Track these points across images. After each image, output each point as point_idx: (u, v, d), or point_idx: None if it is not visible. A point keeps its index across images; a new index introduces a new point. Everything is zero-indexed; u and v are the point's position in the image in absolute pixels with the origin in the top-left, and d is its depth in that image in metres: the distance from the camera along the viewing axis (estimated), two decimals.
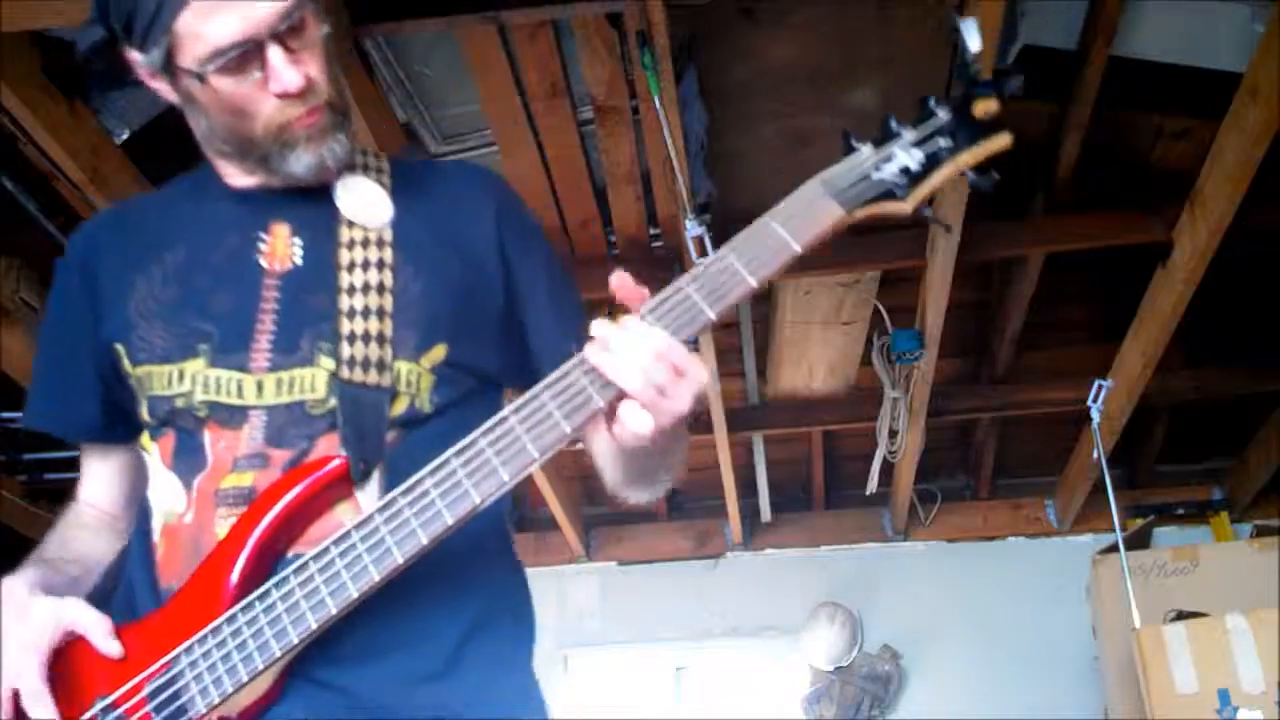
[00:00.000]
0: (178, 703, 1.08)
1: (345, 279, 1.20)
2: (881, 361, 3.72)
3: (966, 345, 4.11)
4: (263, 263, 1.22)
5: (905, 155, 1.11)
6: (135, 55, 1.21)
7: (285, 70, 1.15)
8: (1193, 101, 2.99)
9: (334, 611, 1.06)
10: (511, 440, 1.05)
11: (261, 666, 1.07)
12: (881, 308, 3.59)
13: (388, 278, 1.21)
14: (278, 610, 1.07)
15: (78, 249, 1.33)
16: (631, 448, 1.09)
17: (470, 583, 1.20)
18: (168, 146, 2.89)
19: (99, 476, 1.35)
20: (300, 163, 1.21)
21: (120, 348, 1.23)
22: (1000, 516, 4.70)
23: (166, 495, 1.18)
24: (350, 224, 1.24)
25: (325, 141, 1.21)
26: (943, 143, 1.12)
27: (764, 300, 3.70)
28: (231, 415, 1.16)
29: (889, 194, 1.10)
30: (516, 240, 1.30)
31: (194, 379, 1.18)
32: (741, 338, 3.91)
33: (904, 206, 1.10)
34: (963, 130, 1.13)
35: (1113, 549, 3.42)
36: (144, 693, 1.10)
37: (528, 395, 1.06)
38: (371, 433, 1.15)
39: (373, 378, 1.17)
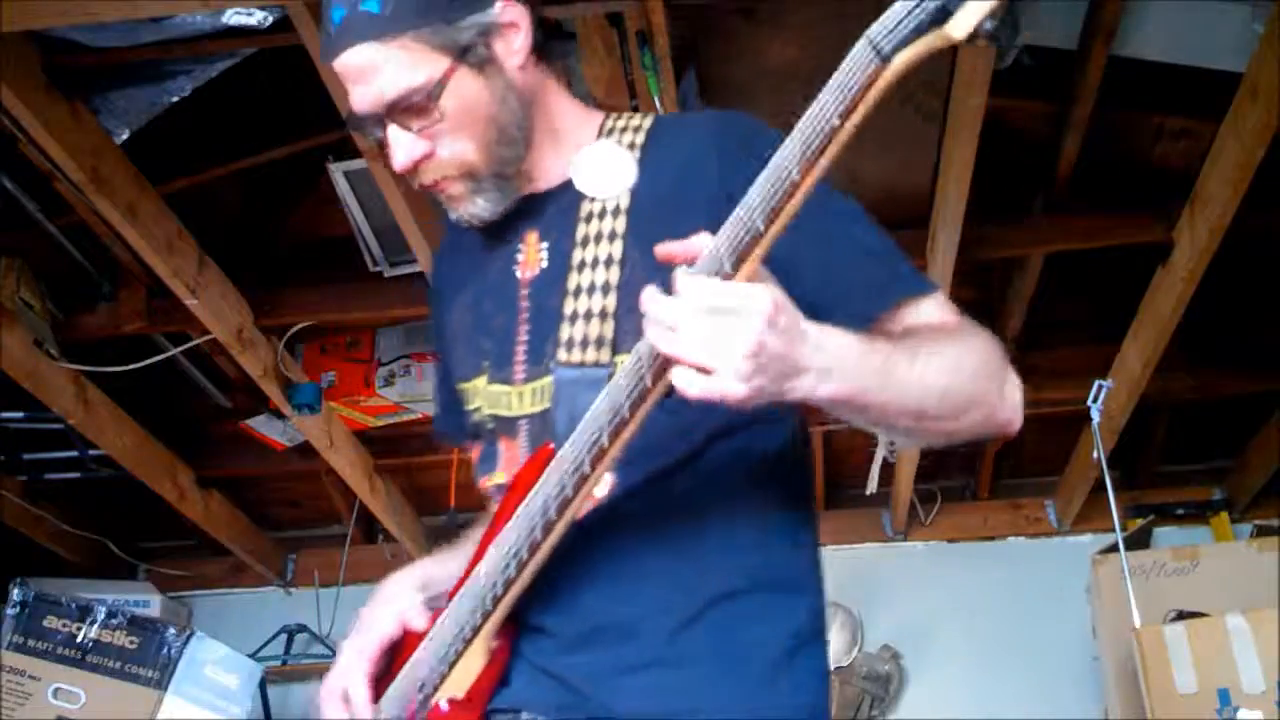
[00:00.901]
0: (424, 688, 1.17)
1: (577, 256, 1.18)
2: None
3: None
4: (518, 273, 1.25)
5: None
6: None
7: (395, 148, 1.18)
8: (1193, 101, 2.98)
9: (513, 574, 1.09)
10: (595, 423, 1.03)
11: (463, 643, 1.14)
12: None
13: (616, 249, 1.17)
14: (480, 584, 1.13)
15: (435, 271, 1.44)
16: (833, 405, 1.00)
17: (705, 552, 1.14)
18: (168, 146, 2.90)
19: None
20: (454, 215, 1.24)
21: (450, 362, 1.33)
22: (1000, 516, 4.70)
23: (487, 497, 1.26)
24: (589, 199, 1.21)
25: (461, 205, 1.22)
26: None
27: None
28: (509, 426, 1.21)
29: (939, 20, 0.85)
30: (738, 186, 1.07)
31: (482, 395, 1.25)
32: None
33: (950, 35, 0.85)
34: None
35: (1113, 549, 3.42)
36: (410, 682, 1.20)
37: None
38: (584, 411, 1.07)
39: (590, 356, 1.14)
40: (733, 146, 1.17)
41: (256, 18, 2.29)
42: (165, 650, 3.39)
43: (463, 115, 1.18)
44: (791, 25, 2.67)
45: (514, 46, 1.21)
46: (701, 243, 0.95)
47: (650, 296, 0.94)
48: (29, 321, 3.22)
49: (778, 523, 1.20)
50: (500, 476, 1.22)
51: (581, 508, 1.07)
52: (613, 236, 1.17)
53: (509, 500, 1.13)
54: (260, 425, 3.94)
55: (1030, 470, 4.70)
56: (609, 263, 1.16)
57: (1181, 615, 3.04)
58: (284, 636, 4.44)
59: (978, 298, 3.93)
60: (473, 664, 1.14)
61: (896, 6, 0.87)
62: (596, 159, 1.21)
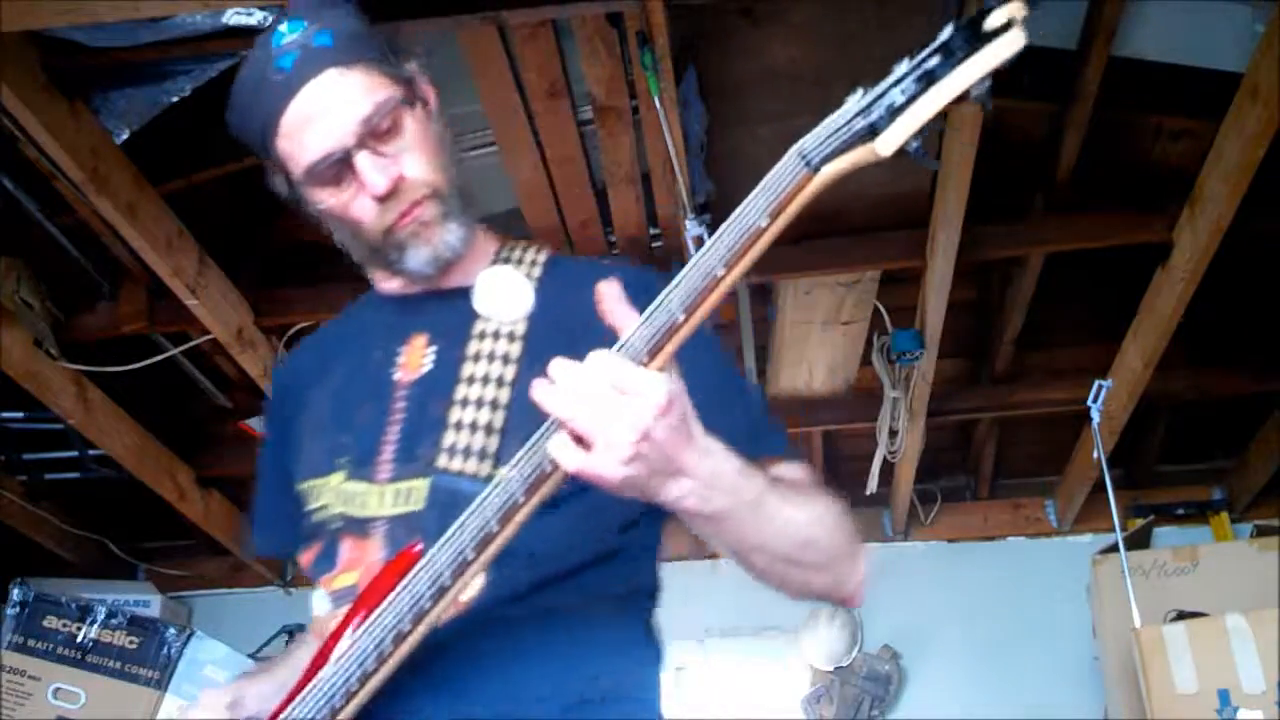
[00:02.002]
0: None
1: (467, 369, 1.20)
2: (881, 361, 3.72)
3: (966, 345, 4.11)
4: (395, 375, 1.24)
5: (894, 92, 0.91)
6: (275, 180, 1.26)
7: (371, 174, 1.17)
8: (1193, 101, 2.99)
9: (372, 666, 1.06)
10: (505, 494, 1.02)
11: None
12: (881, 308, 3.58)
13: (509, 371, 1.19)
14: (330, 681, 1.08)
15: (276, 378, 1.42)
16: (683, 515, 1.02)
17: (584, 660, 1.17)
18: (168, 146, 2.90)
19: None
20: (415, 259, 1.22)
21: (293, 468, 1.28)
22: (1000, 516, 4.70)
23: (318, 601, 1.22)
24: (484, 319, 1.23)
25: (434, 234, 1.22)
26: (936, 62, 0.91)
27: (764, 300, 3.70)
28: (360, 527, 1.18)
29: (868, 136, 0.91)
30: None
31: (332, 493, 1.21)
32: (741, 338, 3.91)
33: (875, 148, 0.91)
34: (965, 45, 0.91)
35: (1113, 549, 3.42)
36: None
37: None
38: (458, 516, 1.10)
39: (471, 467, 1.15)
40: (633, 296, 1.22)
41: (256, 18, 2.29)
42: (165, 650, 3.39)
43: (421, 136, 1.22)
44: (791, 25, 2.67)
45: (434, 107, 1.28)
46: (627, 315, 0.97)
47: (558, 364, 0.95)
48: (29, 321, 3.22)
49: (640, 647, 1.27)
50: (346, 578, 1.17)
51: (444, 615, 1.05)
52: (506, 359, 1.19)
53: (363, 602, 1.10)
54: (260, 425, 3.94)
55: (1030, 470, 4.70)
56: (500, 382, 1.18)
57: (1181, 615, 3.04)
58: (284, 636, 4.43)
59: (978, 298, 3.94)
60: None
61: (829, 121, 0.93)
62: (498, 282, 1.24)
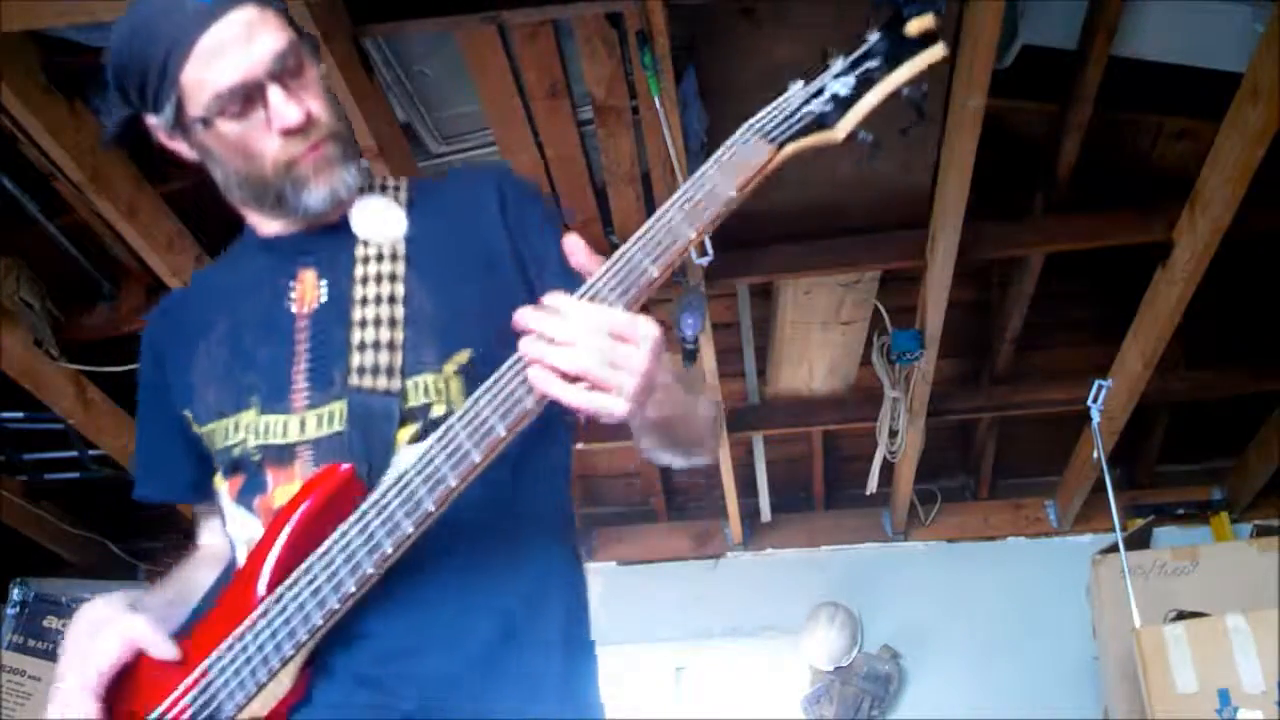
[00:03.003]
0: (209, 709, 1.13)
1: (359, 292, 1.25)
2: (881, 361, 3.72)
3: (966, 345, 4.11)
4: (292, 309, 1.28)
5: (836, 84, 1.10)
6: (152, 119, 1.32)
7: (285, 106, 1.22)
8: (1193, 101, 2.99)
9: (336, 606, 1.09)
10: (456, 447, 1.07)
11: (277, 665, 1.11)
12: (881, 308, 3.59)
13: (398, 289, 1.25)
14: (288, 610, 1.11)
15: (149, 332, 1.43)
16: (640, 423, 1.12)
17: (511, 576, 1.22)
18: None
19: (210, 525, 1.43)
20: (314, 196, 1.27)
21: (188, 413, 1.31)
22: (1000, 516, 4.70)
23: (243, 526, 1.24)
24: (365, 243, 1.29)
25: (335, 172, 1.27)
26: (873, 64, 1.10)
27: (764, 300, 3.70)
28: (281, 454, 1.22)
29: (820, 124, 1.09)
30: (523, 228, 1.31)
31: (247, 428, 1.25)
32: (741, 338, 3.91)
33: (835, 134, 1.10)
34: (895, 49, 1.10)
35: (1113, 549, 3.42)
36: (184, 702, 1.15)
37: (468, 402, 1.08)
38: (378, 436, 1.18)
39: (381, 383, 1.20)
40: (513, 193, 1.33)
41: None
42: None
43: (322, 80, 1.29)
44: (792, 25, 2.67)
45: (323, 69, 1.34)
46: (556, 302, 1.05)
47: (535, 315, 1.04)
48: (29, 321, 3.22)
49: (566, 530, 1.33)
50: (280, 498, 1.20)
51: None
52: (393, 277, 1.26)
53: (284, 514, 1.14)
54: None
55: (1030, 470, 4.70)
56: (392, 300, 1.24)
57: (1181, 615, 3.04)
58: None
59: (978, 298, 3.94)
60: (278, 688, 1.12)
61: (776, 108, 1.11)
62: (371, 208, 1.31)
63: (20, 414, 3.72)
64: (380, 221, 1.30)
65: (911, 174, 3.00)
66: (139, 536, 4.74)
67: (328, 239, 1.30)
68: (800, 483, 4.82)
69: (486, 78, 2.70)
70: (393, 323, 1.23)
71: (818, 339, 3.76)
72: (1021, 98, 3.10)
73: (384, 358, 1.21)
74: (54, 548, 4.40)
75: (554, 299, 1.04)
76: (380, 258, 1.27)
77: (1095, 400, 3.38)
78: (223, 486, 1.28)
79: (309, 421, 1.22)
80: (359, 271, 1.26)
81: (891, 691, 4.37)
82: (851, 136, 1.10)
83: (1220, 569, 3.43)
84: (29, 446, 3.97)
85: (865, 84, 1.09)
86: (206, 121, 1.24)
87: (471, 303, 1.25)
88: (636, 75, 2.57)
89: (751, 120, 1.10)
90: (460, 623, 1.16)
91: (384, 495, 1.09)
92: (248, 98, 1.22)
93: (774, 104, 1.11)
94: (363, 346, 1.22)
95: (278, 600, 1.11)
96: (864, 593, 4.55)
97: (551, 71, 2.69)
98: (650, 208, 3.12)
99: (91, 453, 3.82)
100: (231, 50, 1.21)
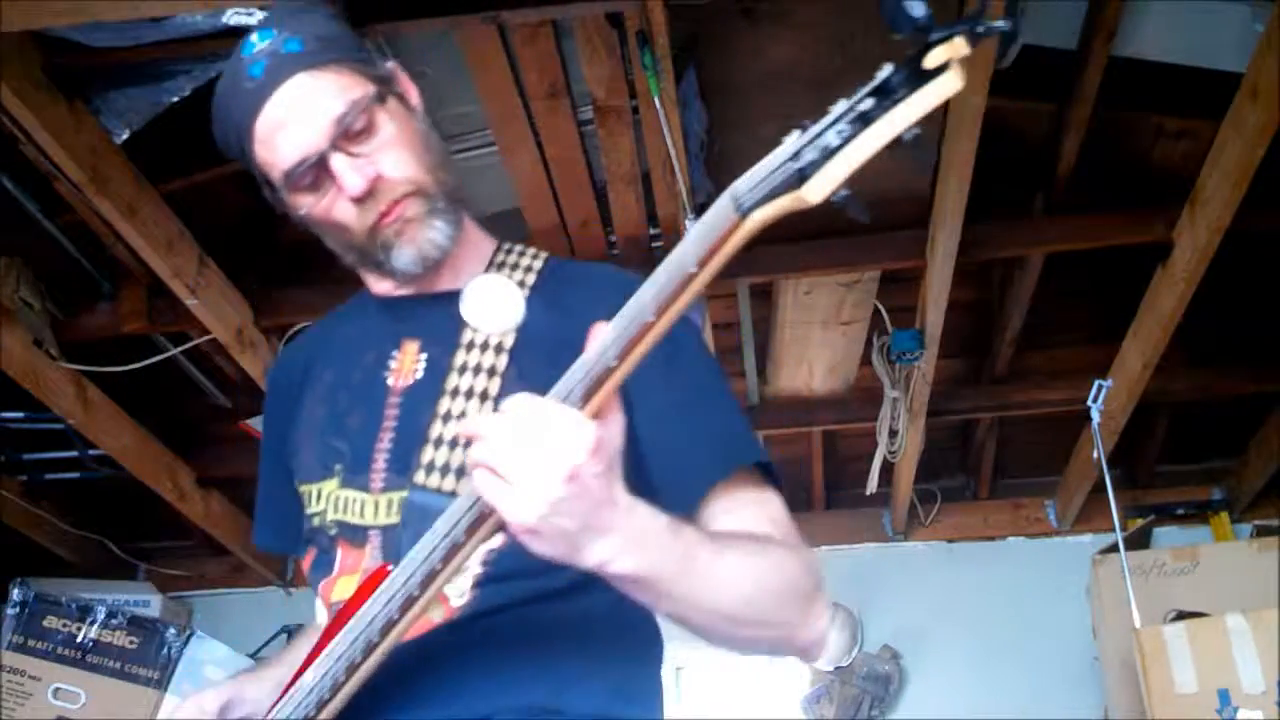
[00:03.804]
0: None
1: (452, 381, 1.18)
2: (881, 361, 3.72)
3: (966, 345, 4.11)
4: (389, 380, 1.22)
5: (830, 134, 0.85)
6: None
7: (346, 175, 1.16)
8: (1193, 101, 2.98)
9: (325, 698, 1.06)
10: (426, 557, 0.99)
11: None
12: (881, 308, 3.59)
13: (494, 385, 1.16)
14: (295, 702, 1.08)
15: (273, 371, 1.40)
16: (613, 578, 0.96)
17: (563, 682, 1.13)
18: (168, 146, 2.90)
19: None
20: (403, 258, 1.20)
21: (292, 467, 1.27)
22: (1000, 516, 4.70)
23: (317, 608, 1.22)
24: (473, 329, 1.20)
25: (419, 231, 1.20)
26: (871, 104, 0.83)
27: (764, 300, 3.70)
28: (355, 534, 1.17)
29: (798, 181, 0.86)
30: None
31: (328, 499, 1.20)
32: (741, 338, 3.91)
33: (804, 195, 0.86)
34: (903, 85, 0.82)
35: (1113, 549, 3.42)
36: None
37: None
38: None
39: (449, 484, 1.13)
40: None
41: (256, 18, 2.28)
42: (165, 650, 3.39)
43: (400, 134, 1.20)
44: (791, 25, 2.67)
45: (417, 106, 1.26)
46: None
47: (479, 418, 0.94)
48: (29, 321, 3.22)
49: (636, 646, 1.21)
50: (345, 586, 1.16)
51: (411, 628, 1.03)
52: (492, 372, 1.17)
53: (342, 615, 1.08)
54: (260, 425, 3.94)
55: (1030, 470, 4.70)
56: (484, 396, 1.16)
57: (1181, 615, 3.04)
58: (284, 636, 4.43)
59: (978, 298, 3.94)
60: None
61: (759, 166, 0.88)
62: (488, 291, 1.19)
63: (20, 414, 3.72)
64: (492, 306, 1.18)
65: (911, 174, 3.00)
66: (139, 536, 4.74)
67: (438, 309, 1.23)
68: (800, 483, 4.82)
69: (486, 78, 2.70)
70: None
71: (818, 339, 3.76)
72: (1021, 98, 3.09)
73: (458, 457, 1.13)
74: (54, 548, 4.40)
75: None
76: (485, 347, 1.19)
77: (1095, 400, 3.38)
78: (305, 561, 1.24)
79: (381, 505, 1.16)
80: (459, 359, 1.19)
81: (891, 691, 4.37)
82: (828, 200, 0.87)
83: (1220, 569, 3.43)
84: (29, 446, 3.97)
85: (860, 126, 0.84)
86: (284, 200, 1.21)
87: None
88: (636, 75, 2.57)
89: (733, 185, 0.90)
90: (485, 713, 1.10)
91: (375, 597, 1.03)
92: (316, 170, 1.17)
93: (759, 164, 0.89)
94: (439, 442, 1.14)
95: (292, 695, 1.08)
96: (864, 593, 4.54)
97: (551, 71, 2.69)
98: (650, 208, 3.13)
99: (91, 453, 3.82)
100: (288, 126, 1.17)
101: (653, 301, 0.89)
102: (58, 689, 3.36)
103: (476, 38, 2.57)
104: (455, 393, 1.17)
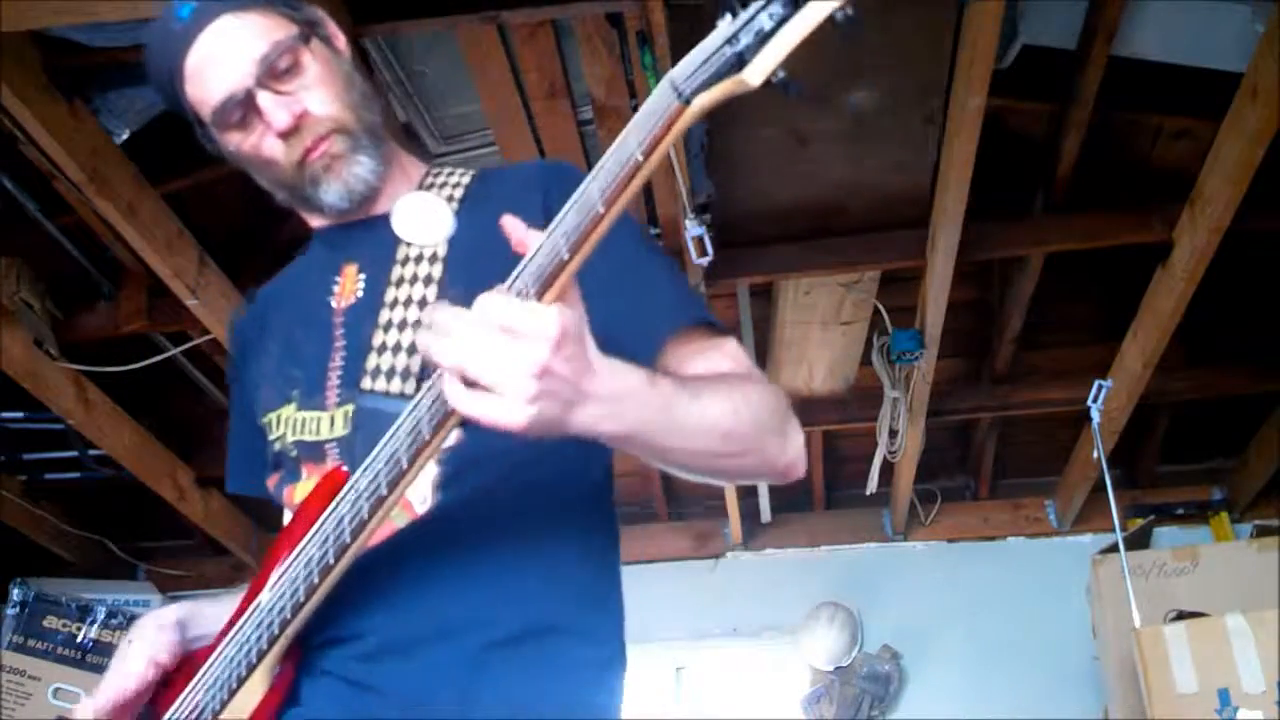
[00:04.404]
0: (196, 716, 1.15)
1: (390, 294, 1.23)
2: (881, 361, 3.72)
3: (966, 345, 4.11)
4: (333, 303, 1.28)
5: (763, 15, 0.86)
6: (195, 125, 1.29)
7: (273, 112, 1.21)
8: (1193, 101, 2.99)
9: (300, 599, 1.07)
10: (393, 452, 1.01)
11: (246, 669, 1.11)
12: (881, 308, 3.58)
13: (431, 292, 1.21)
14: (264, 612, 1.11)
15: (235, 327, 1.45)
16: (605, 438, 0.99)
17: (533, 574, 1.16)
18: (168, 146, 2.90)
19: None
20: (330, 193, 1.26)
21: (255, 405, 1.32)
22: (1000, 516, 4.70)
23: (286, 521, 1.24)
24: (406, 244, 1.26)
25: (345, 166, 1.25)
26: None
27: (764, 300, 3.70)
28: (314, 451, 1.22)
29: (737, 66, 0.88)
30: None
31: (286, 423, 1.25)
32: (741, 338, 3.91)
33: (746, 81, 0.88)
34: None
35: (1113, 549, 3.42)
36: (175, 707, 1.19)
37: (409, 405, 1.02)
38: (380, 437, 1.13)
39: (395, 386, 1.18)
40: (557, 193, 1.15)
41: None
42: None
43: (325, 73, 1.25)
44: None
45: (343, 50, 1.31)
46: (531, 237, 0.94)
47: (436, 306, 0.92)
48: (29, 321, 3.22)
49: (597, 548, 1.24)
50: (299, 494, 1.21)
51: (378, 530, 1.06)
52: (428, 280, 1.22)
53: (295, 525, 1.13)
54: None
55: (1030, 470, 4.70)
56: (422, 303, 1.20)
57: (1181, 615, 3.04)
58: None
59: (978, 298, 3.94)
60: (255, 689, 1.12)
61: (696, 51, 0.90)
62: (416, 207, 1.26)
63: (20, 414, 3.72)
64: (422, 221, 1.25)
65: (911, 174, 3.00)
66: (139, 536, 4.74)
67: (370, 232, 1.29)
68: (800, 483, 4.80)
69: (486, 78, 2.70)
70: (417, 326, 1.18)
71: (818, 339, 3.76)
72: (1021, 98, 3.09)
73: (401, 361, 1.18)
74: (54, 548, 4.39)
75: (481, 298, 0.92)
76: (420, 259, 1.24)
77: (1095, 400, 3.38)
78: (271, 482, 1.29)
79: (337, 419, 1.21)
80: (395, 272, 1.24)
81: (891, 691, 4.37)
82: (768, 81, 0.88)
83: (1220, 569, 3.43)
84: (29, 446, 3.97)
85: (794, 6, 0.86)
86: (215, 138, 1.26)
87: None
88: (636, 75, 2.57)
89: (670, 72, 0.91)
90: (452, 622, 1.13)
91: (339, 499, 1.06)
92: (243, 108, 1.22)
93: (696, 49, 0.90)
94: (383, 349, 1.20)
95: (257, 605, 1.12)
96: (864, 593, 4.54)
97: (551, 71, 2.69)
98: (650, 208, 3.13)
99: (91, 453, 3.82)
100: (214, 65, 1.22)
101: (599, 193, 0.90)
102: (58, 689, 3.37)
103: (476, 38, 2.57)
104: (394, 304, 1.22)
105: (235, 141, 1.24)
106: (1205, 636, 2.84)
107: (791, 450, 1.18)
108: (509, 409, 0.88)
